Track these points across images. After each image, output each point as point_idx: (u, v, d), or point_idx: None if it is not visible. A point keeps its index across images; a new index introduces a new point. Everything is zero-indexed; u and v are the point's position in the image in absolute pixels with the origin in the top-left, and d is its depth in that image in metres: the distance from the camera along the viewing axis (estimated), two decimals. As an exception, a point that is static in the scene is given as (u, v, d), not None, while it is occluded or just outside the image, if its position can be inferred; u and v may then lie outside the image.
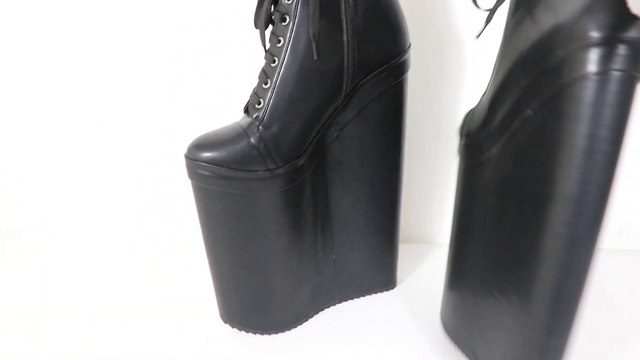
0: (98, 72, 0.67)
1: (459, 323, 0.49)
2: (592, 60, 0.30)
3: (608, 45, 0.30)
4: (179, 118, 0.67)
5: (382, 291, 0.60)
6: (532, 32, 0.35)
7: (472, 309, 0.45)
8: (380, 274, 0.58)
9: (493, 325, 0.42)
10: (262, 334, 0.53)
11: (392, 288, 0.60)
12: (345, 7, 0.44)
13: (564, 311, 0.37)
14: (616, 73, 0.30)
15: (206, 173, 0.45)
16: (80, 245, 0.72)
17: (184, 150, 0.46)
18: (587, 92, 0.31)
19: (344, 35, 0.45)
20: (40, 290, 0.62)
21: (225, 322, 0.54)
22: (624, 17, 0.30)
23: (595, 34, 0.30)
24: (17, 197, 0.75)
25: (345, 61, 0.46)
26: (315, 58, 0.44)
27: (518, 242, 0.38)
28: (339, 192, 0.52)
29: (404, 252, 0.63)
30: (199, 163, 0.45)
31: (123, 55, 0.65)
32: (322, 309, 0.57)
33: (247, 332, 0.53)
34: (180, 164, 0.48)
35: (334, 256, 0.54)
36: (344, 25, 0.45)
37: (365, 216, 0.54)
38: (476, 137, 0.42)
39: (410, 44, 0.49)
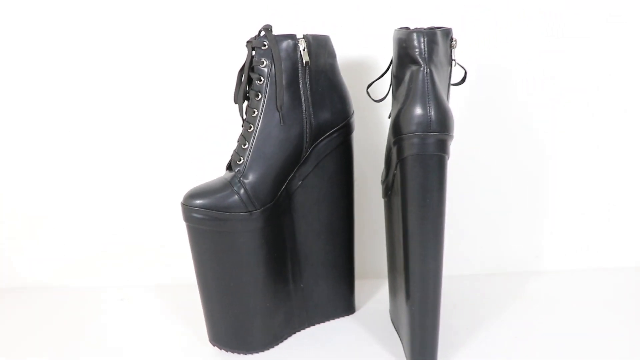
0: (98, 124, 0.78)
1: (394, 314, 0.65)
2: (415, 145, 0.51)
3: (421, 138, 0.51)
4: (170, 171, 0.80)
5: (343, 316, 0.71)
6: (394, 107, 0.55)
7: (396, 303, 0.62)
8: (341, 301, 0.70)
9: (401, 312, 0.59)
10: (245, 354, 0.63)
11: (352, 313, 0.72)
12: (303, 85, 0.59)
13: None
14: (429, 153, 0.51)
15: (199, 216, 0.57)
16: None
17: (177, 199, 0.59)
18: (414, 163, 0.51)
19: (303, 107, 0.59)
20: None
21: (214, 345, 0.64)
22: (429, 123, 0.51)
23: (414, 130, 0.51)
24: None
25: (305, 126, 0.60)
26: (281, 124, 0.58)
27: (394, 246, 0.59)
28: (304, 230, 0.64)
29: (361, 285, 0.76)
30: (193, 208, 0.57)
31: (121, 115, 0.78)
32: (295, 332, 0.68)
33: (232, 352, 0.63)
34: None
35: (302, 285, 0.66)
36: (302, 99, 0.59)
37: (325, 251, 0.66)
38: (386, 182, 0.60)
39: (353, 111, 0.64)
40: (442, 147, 0.51)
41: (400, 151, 0.52)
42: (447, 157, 0.52)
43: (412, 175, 0.51)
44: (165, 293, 0.80)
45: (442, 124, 0.50)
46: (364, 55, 0.74)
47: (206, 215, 0.57)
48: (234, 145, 0.61)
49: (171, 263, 0.83)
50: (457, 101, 0.73)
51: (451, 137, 0.52)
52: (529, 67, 0.76)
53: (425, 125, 0.50)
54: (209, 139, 0.78)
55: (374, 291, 0.78)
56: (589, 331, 0.65)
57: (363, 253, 0.80)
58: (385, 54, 0.66)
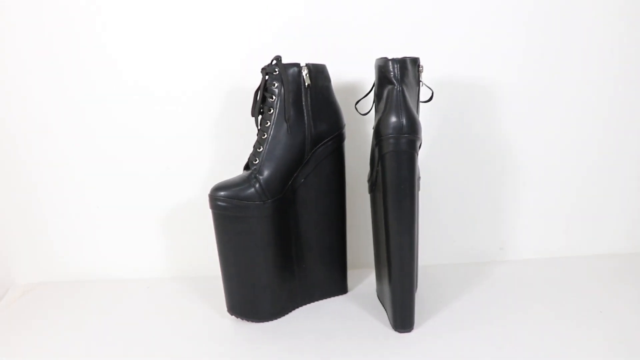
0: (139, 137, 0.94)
1: (380, 293, 0.79)
2: (391, 144, 0.66)
3: (396, 138, 0.65)
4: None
5: (338, 295, 0.85)
6: (376, 118, 0.70)
7: (381, 283, 0.75)
8: (336, 282, 0.84)
9: (385, 289, 0.72)
10: (256, 322, 0.77)
11: (345, 293, 0.86)
12: (305, 102, 0.75)
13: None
14: (402, 150, 0.66)
15: (223, 204, 0.72)
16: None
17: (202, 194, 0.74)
18: (391, 158, 0.66)
19: (305, 119, 0.75)
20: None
21: (231, 314, 0.78)
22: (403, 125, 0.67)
23: (390, 133, 0.66)
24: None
25: (307, 135, 0.75)
26: (289, 133, 0.74)
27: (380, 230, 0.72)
28: (305, 219, 0.79)
29: (353, 273, 0.90)
30: (219, 197, 0.72)
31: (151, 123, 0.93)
32: (298, 306, 0.81)
33: (246, 320, 0.77)
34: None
35: (304, 266, 0.80)
36: (305, 113, 0.75)
37: (322, 237, 0.81)
38: (371, 180, 0.74)
39: (345, 124, 0.80)
40: (411, 146, 0.66)
41: (380, 149, 0.67)
42: (415, 154, 0.67)
43: (390, 168, 0.66)
44: (186, 282, 0.94)
45: (411, 128, 0.66)
46: (352, 79, 0.90)
47: (229, 203, 0.72)
48: (250, 150, 0.77)
49: (192, 256, 0.97)
50: (430, 113, 0.89)
51: (419, 139, 0.67)
52: (488, 85, 0.90)
53: (399, 129, 0.66)
54: (231, 145, 0.92)
55: (363, 277, 0.92)
56: (544, 310, 0.77)
57: (355, 247, 0.94)
58: (369, 78, 0.80)
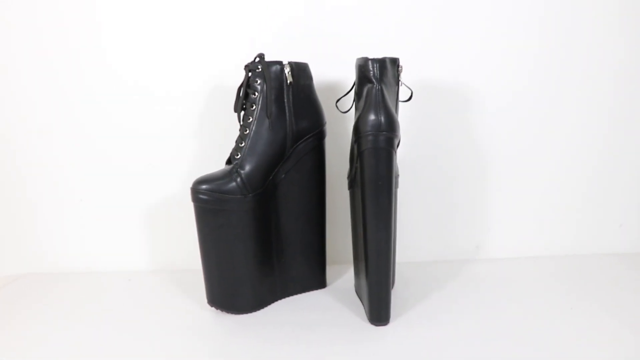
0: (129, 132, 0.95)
1: (358, 288, 0.81)
2: (370, 141, 0.67)
3: (374, 135, 0.67)
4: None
5: (317, 289, 0.87)
6: (355, 116, 0.72)
7: (359, 279, 0.77)
8: (315, 277, 0.86)
9: (362, 284, 0.74)
10: (236, 314, 0.78)
11: (324, 287, 0.88)
12: (287, 99, 0.77)
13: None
14: (380, 147, 0.67)
15: (204, 197, 0.73)
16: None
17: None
18: (369, 155, 0.68)
19: (287, 116, 0.77)
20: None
21: (211, 306, 0.79)
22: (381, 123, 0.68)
23: (369, 130, 0.68)
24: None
25: (288, 131, 0.77)
26: (270, 129, 0.76)
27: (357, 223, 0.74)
28: (286, 214, 0.81)
29: (332, 269, 0.92)
30: (200, 191, 0.73)
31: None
32: (278, 299, 0.83)
33: (226, 312, 0.78)
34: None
35: (283, 260, 0.82)
36: (287, 110, 0.77)
37: (302, 232, 0.82)
38: (350, 176, 0.76)
39: (326, 122, 0.82)
40: (389, 143, 0.68)
41: (359, 146, 0.69)
42: (393, 151, 0.69)
43: (368, 164, 0.68)
44: (167, 275, 0.95)
45: (389, 126, 0.68)
46: (333, 78, 0.92)
47: (210, 196, 0.73)
48: (232, 145, 0.78)
49: (173, 250, 0.98)
50: (409, 113, 0.91)
51: (397, 136, 0.69)
52: (465, 85, 0.93)
53: (377, 126, 0.68)
54: (213, 142, 0.94)
55: (342, 273, 0.94)
56: (517, 307, 0.78)
57: (335, 243, 0.96)
58: (349, 77, 0.83)
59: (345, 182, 0.83)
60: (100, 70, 0.91)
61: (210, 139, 0.94)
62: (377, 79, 0.69)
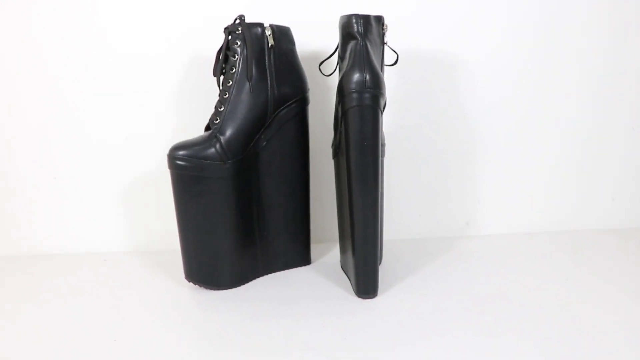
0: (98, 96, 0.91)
1: (344, 263, 0.77)
2: (354, 99, 0.65)
3: (359, 93, 0.64)
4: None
5: (301, 266, 0.83)
6: (340, 75, 0.69)
7: (345, 254, 0.74)
8: (299, 252, 0.82)
9: (348, 258, 0.71)
10: (215, 290, 0.74)
11: (308, 264, 0.84)
12: (268, 63, 0.74)
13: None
14: (366, 104, 0.65)
15: (182, 163, 0.70)
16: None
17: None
18: (354, 113, 0.65)
19: (268, 80, 0.74)
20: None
21: (189, 281, 0.75)
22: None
23: (353, 88, 0.65)
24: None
25: (269, 96, 0.74)
26: (251, 92, 0.72)
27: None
28: (267, 184, 0.77)
29: (316, 247, 0.88)
30: (178, 156, 0.69)
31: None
32: (259, 276, 0.79)
33: (204, 287, 0.75)
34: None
35: (265, 233, 0.78)
36: (268, 74, 0.74)
37: (285, 204, 0.79)
38: (334, 144, 0.73)
39: (309, 88, 0.79)
40: (375, 101, 0.65)
41: (343, 106, 0.66)
42: (379, 110, 0.66)
43: (353, 123, 0.65)
44: (144, 255, 0.91)
45: (375, 84, 0.65)
46: (317, 45, 0.89)
47: (188, 162, 0.70)
48: (211, 111, 0.75)
49: (151, 229, 0.94)
50: (396, 87, 0.88)
51: (382, 95, 0.66)
52: (455, 58, 0.91)
53: (362, 84, 0.65)
54: (192, 114, 0.90)
55: (328, 250, 0.91)
56: (507, 282, 0.76)
57: (320, 221, 0.93)
58: (332, 43, 0.80)
59: (330, 160, 0.79)
60: (74, 39, 0.88)
61: (188, 112, 0.90)
62: (361, 35, 0.66)
